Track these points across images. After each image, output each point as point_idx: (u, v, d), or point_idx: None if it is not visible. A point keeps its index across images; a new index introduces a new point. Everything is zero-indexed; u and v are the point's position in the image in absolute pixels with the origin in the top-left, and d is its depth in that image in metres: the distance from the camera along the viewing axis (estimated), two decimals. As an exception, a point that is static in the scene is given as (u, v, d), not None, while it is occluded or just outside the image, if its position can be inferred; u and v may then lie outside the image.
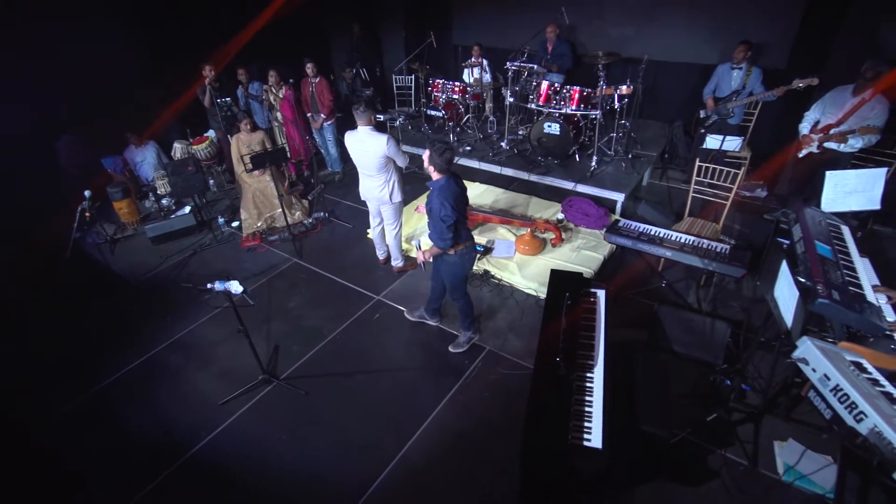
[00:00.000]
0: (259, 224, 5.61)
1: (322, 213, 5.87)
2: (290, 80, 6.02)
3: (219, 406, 3.59)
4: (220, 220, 5.82)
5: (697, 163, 4.59)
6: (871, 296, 2.63)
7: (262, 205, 5.59)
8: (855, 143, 4.46)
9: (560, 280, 3.30)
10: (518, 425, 3.25)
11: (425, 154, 3.27)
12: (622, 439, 2.43)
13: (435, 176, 3.29)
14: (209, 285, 3.15)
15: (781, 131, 5.85)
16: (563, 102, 5.79)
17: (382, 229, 4.77)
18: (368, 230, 5.33)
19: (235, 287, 3.17)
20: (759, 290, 3.06)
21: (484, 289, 4.60)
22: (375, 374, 3.80)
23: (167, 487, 3.08)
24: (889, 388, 2.01)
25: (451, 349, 3.95)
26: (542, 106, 5.88)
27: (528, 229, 4.89)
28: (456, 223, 3.29)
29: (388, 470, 3.09)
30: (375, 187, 4.30)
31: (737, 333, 3.75)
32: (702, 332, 3.66)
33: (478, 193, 6.04)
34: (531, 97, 6.03)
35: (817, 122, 4.76)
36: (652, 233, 3.86)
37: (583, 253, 4.82)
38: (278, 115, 6.30)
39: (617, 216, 5.35)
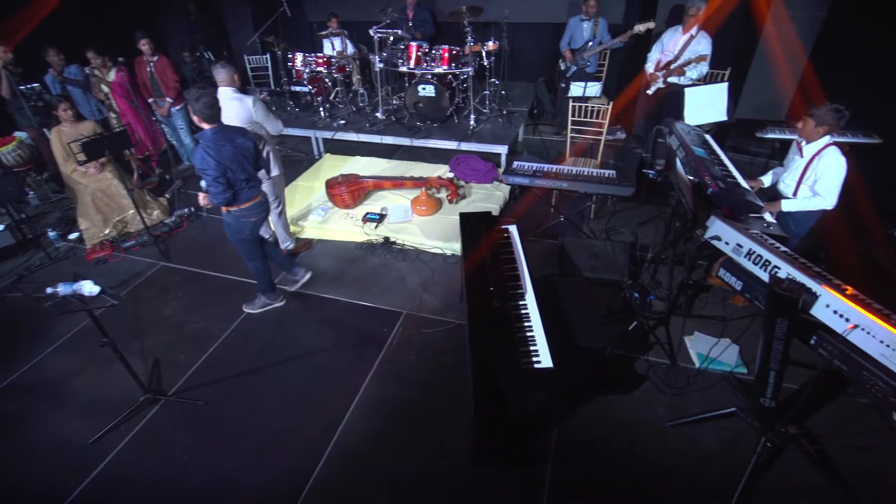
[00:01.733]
0: (107, 231, 4.67)
1: (187, 210, 5.09)
2: (121, 59, 5.07)
3: (90, 445, 2.88)
4: (52, 234, 4.74)
5: (571, 103, 4.81)
6: (744, 183, 2.93)
7: (106, 208, 4.66)
8: (691, 74, 5.03)
9: (471, 221, 3.19)
10: (453, 378, 3.15)
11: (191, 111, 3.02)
12: (564, 358, 2.40)
13: (203, 126, 3.04)
14: (50, 290, 2.47)
15: (629, 77, 6.42)
16: (433, 63, 5.70)
17: (264, 210, 4.26)
18: (247, 217, 4.75)
19: (89, 288, 2.53)
20: (670, 179, 3.27)
21: (387, 256, 4.35)
22: (286, 364, 3.37)
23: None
24: (784, 248, 2.22)
25: (245, 308, 3.82)
26: (413, 69, 5.73)
27: (423, 189, 4.73)
28: (230, 182, 3.09)
29: (325, 460, 2.73)
30: None
31: (633, 253, 4.02)
32: (605, 255, 3.85)
33: (361, 166, 5.73)
34: (401, 61, 5.85)
35: (659, 61, 5.29)
36: (546, 169, 3.94)
37: (479, 205, 4.81)
38: (113, 103, 5.30)
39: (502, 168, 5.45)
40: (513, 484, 2.56)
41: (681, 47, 5.05)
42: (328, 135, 6.09)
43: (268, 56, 7.12)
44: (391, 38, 5.98)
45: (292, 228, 4.55)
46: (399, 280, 4.08)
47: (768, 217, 2.82)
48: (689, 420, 2.74)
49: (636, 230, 4.53)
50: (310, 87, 6.28)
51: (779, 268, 1.97)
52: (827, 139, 3.10)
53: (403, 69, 5.84)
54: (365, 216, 4.65)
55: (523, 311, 2.54)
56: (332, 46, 6.63)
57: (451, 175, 5.23)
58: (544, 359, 2.24)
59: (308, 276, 3.99)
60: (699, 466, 2.58)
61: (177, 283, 4.18)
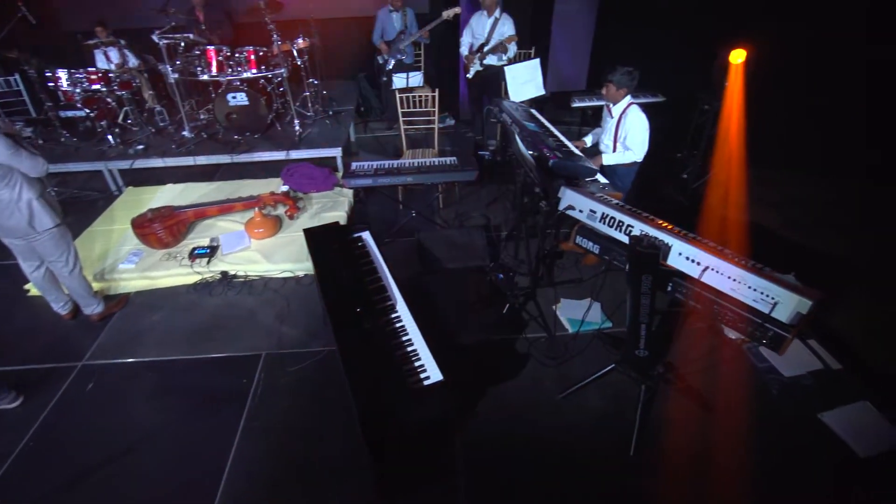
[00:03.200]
0: None
1: (-73, 293, 3.77)
2: None
3: None
4: None
5: (397, 96, 4.66)
6: (577, 151, 3.08)
7: None
8: (507, 55, 5.27)
9: (318, 237, 2.85)
10: (340, 413, 2.79)
11: None
12: (450, 364, 2.24)
13: None
14: None
15: (447, 64, 6.54)
16: (240, 67, 5.08)
17: (48, 273, 3.32)
18: (27, 285, 3.71)
19: None
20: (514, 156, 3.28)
21: (230, 293, 3.75)
22: (122, 459, 2.65)
23: None
24: (629, 206, 2.33)
25: None
26: (217, 76, 5.04)
27: (256, 209, 4.17)
28: None
29: (196, 563, 2.20)
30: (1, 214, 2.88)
31: (489, 235, 4.05)
32: (463, 243, 3.81)
33: (176, 195, 4.88)
34: (199, 69, 5.09)
35: (472, 45, 5.44)
36: (387, 166, 3.74)
37: (323, 216, 4.41)
38: None
39: (340, 172, 5.12)
40: (427, 509, 2.35)
41: (489, 30, 5.24)
42: (124, 165, 5.07)
43: (17, 77, 5.67)
44: (182, 44, 5.18)
45: (97, 286, 3.66)
46: (249, 318, 3.53)
47: (602, 179, 3.01)
48: (577, 387, 2.81)
49: (486, 212, 4.60)
50: (87, 110, 5.15)
51: (633, 226, 2.05)
52: (629, 99, 3.42)
53: (205, 77, 5.11)
54: (192, 252, 3.94)
55: (398, 325, 2.30)
56: (108, 59, 5.52)
57: (285, 188, 4.72)
58: (432, 373, 2.05)
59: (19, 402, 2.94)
60: (596, 428, 2.65)
61: (-71, 397, 3.05)
